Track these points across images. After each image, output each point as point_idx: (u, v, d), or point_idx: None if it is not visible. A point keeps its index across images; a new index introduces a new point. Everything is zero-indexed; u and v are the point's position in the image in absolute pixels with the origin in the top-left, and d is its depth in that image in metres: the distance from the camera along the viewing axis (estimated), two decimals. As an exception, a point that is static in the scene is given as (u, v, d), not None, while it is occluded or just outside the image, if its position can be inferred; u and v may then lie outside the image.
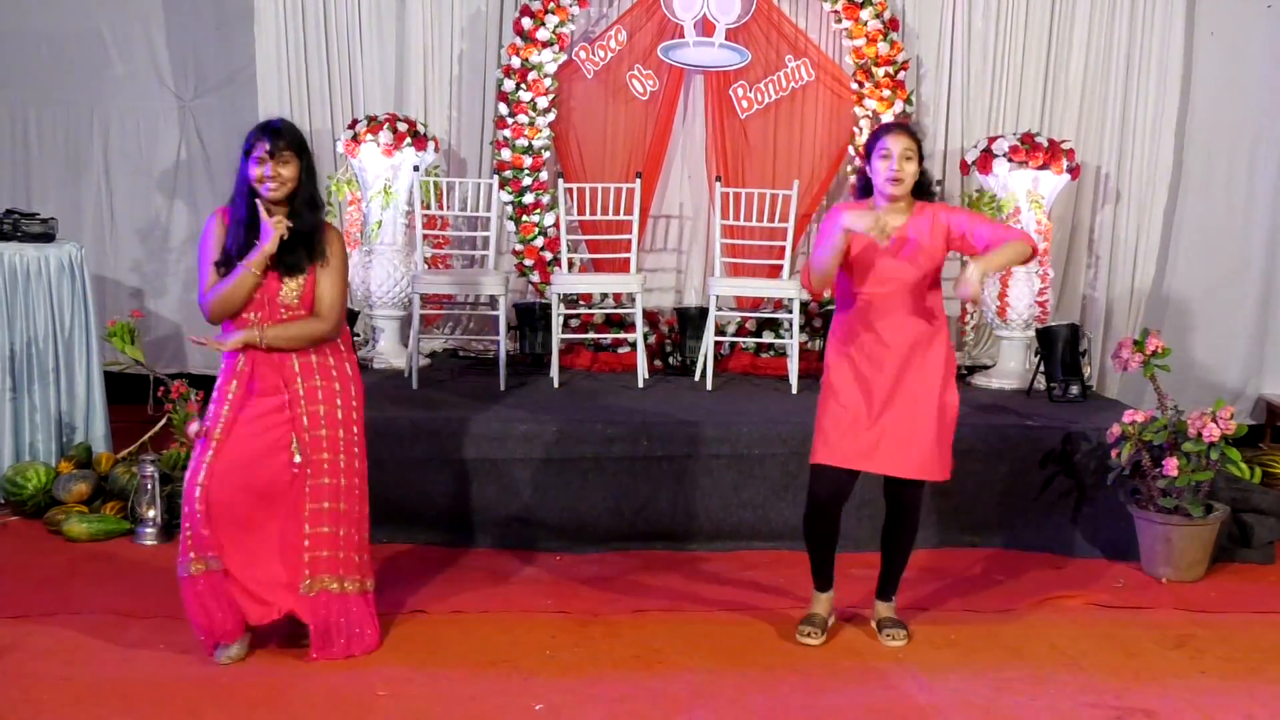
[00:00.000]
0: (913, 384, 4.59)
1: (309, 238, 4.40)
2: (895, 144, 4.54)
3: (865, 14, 7.39)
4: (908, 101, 7.44)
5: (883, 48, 7.40)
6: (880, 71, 7.41)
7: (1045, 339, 6.81)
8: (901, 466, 4.62)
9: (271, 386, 4.38)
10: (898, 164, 4.53)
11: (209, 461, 4.31)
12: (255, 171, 4.31)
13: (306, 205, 4.40)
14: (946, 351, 4.67)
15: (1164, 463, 5.51)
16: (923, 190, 4.66)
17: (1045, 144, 6.99)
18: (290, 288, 4.38)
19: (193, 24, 8.13)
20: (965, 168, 7.25)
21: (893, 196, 4.57)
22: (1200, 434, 5.46)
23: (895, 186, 4.54)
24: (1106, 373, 7.64)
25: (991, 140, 7.10)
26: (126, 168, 8.24)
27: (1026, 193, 6.99)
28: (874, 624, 4.89)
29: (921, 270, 4.58)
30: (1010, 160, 6.95)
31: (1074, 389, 6.67)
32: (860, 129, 7.42)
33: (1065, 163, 7.01)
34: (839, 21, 7.49)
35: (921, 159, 4.64)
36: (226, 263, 4.36)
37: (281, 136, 4.33)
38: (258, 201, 4.32)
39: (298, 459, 4.37)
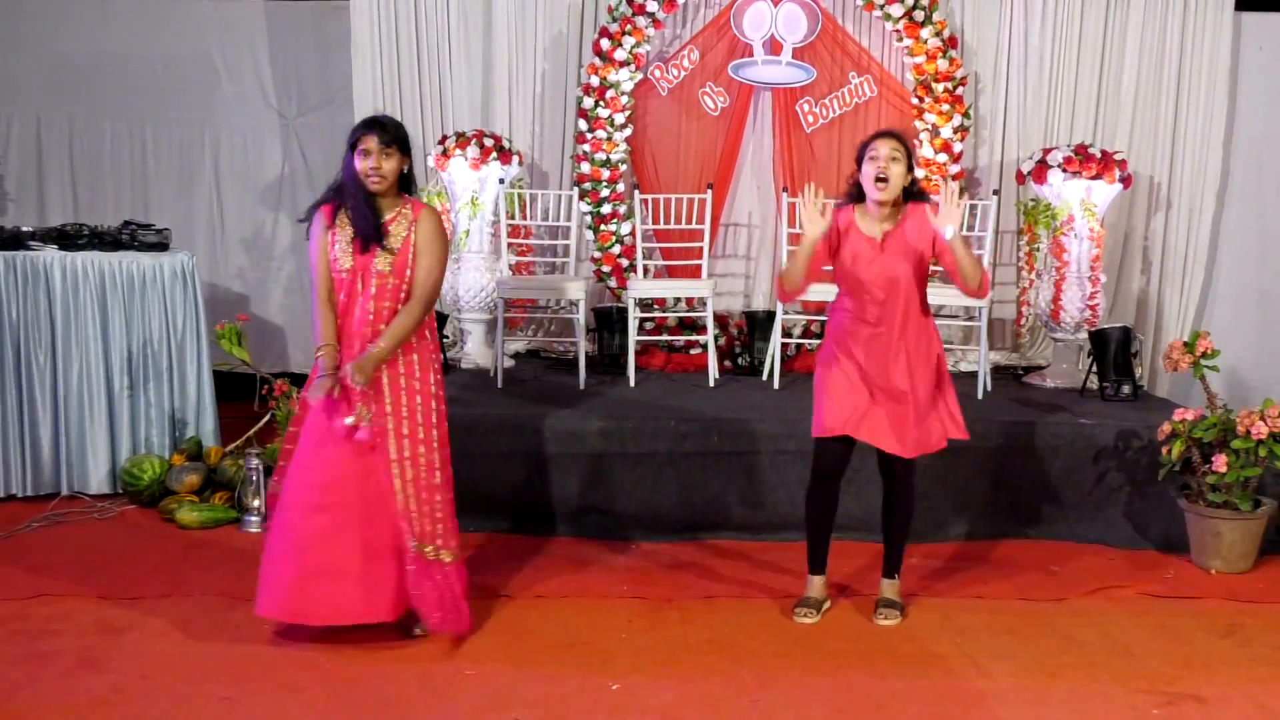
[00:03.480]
0: (908, 375, 4.55)
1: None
2: (882, 146, 4.49)
3: (925, 32, 7.33)
4: (966, 115, 7.37)
5: (942, 64, 7.33)
6: (940, 87, 7.35)
7: (1098, 341, 6.72)
8: (899, 445, 4.58)
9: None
10: (884, 164, 4.47)
11: None
12: (360, 165, 4.32)
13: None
14: (937, 341, 4.67)
15: (1213, 459, 5.43)
16: (911, 195, 4.59)
17: (1098, 155, 6.88)
18: (383, 259, 4.35)
19: (295, 47, 8.24)
20: (1021, 178, 7.16)
21: (880, 201, 4.53)
22: (1249, 431, 5.38)
23: (881, 188, 4.49)
24: (1157, 373, 7.52)
25: (1046, 151, 7.00)
26: (234, 182, 8.34)
27: (1080, 201, 6.88)
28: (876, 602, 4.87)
29: (910, 268, 4.55)
30: (1064, 171, 6.85)
31: (1126, 388, 6.57)
32: (920, 142, 7.36)
33: (1117, 173, 6.90)
34: (900, 40, 7.43)
35: (911, 165, 4.57)
36: (363, 244, 4.34)
37: (387, 131, 4.34)
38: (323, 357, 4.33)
39: (349, 421, 4.27)
